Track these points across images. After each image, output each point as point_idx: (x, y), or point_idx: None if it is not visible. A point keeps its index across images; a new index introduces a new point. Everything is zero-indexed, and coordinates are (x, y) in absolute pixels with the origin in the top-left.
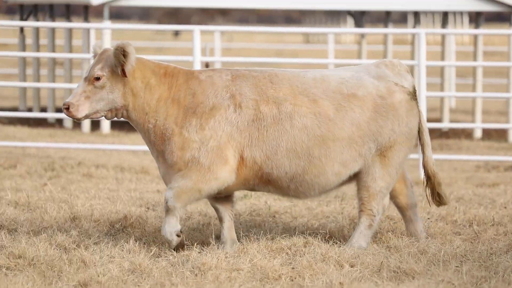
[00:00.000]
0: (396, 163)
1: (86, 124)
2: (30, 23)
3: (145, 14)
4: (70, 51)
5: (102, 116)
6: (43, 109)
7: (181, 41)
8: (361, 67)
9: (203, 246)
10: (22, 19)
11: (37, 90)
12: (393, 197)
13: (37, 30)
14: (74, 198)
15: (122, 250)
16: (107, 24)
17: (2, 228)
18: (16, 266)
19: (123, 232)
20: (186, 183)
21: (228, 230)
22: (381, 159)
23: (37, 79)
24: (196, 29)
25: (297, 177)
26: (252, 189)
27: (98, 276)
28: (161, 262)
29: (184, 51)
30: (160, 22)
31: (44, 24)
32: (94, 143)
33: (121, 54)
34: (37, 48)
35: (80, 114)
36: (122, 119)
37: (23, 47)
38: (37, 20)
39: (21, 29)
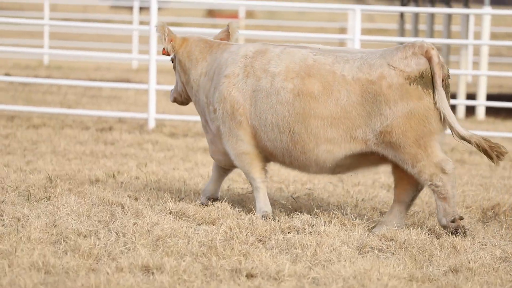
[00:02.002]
0: (409, 142)
1: (461, 110)
2: (410, 9)
3: None
4: (448, 36)
5: (185, 98)
6: None
7: None
8: (387, 49)
9: None
10: (402, 4)
11: None
12: (394, 184)
13: (416, 15)
14: None
15: (494, 238)
16: (487, 10)
17: (375, 210)
18: (388, 248)
19: (495, 219)
20: (231, 154)
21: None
22: (391, 146)
23: None
24: None
25: (285, 152)
26: (269, 161)
27: (469, 262)
28: None
29: None
30: None
31: (424, 10)
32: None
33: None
34: (416, 33)
35: (171, 99)
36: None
37: (402, 32)
38: (417, 5)
39: (401, 15)
